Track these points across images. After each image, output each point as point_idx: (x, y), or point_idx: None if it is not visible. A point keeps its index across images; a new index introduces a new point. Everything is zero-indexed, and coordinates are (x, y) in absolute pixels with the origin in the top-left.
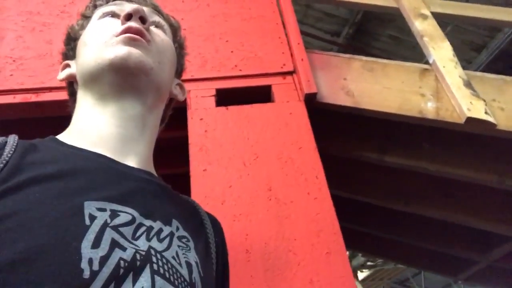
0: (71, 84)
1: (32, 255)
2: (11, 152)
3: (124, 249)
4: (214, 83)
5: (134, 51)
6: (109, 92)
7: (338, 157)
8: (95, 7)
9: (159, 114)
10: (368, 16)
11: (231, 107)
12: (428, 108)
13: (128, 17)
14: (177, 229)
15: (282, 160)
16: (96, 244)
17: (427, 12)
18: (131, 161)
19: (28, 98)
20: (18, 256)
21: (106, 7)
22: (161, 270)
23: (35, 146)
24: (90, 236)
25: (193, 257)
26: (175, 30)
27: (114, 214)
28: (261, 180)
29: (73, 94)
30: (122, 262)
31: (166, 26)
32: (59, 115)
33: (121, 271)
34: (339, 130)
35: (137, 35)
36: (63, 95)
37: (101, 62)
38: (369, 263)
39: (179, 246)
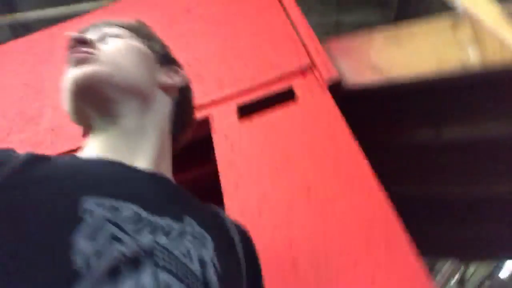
0: None
1: (22, 248)
2: (19, 159)
3: (123, 243)
4: (234, 101)
5: (83, 69)
6: (92, 118)
7: (380, 143)
8: None
9: (157, 115)
10: None
11: (255, 118)
12: (471, 57)
13: (72, 46)
14: (191, 226)
15: (317, 156)
16: (91, 238)
17: None
18: (140, 164)
19: None
20: (7, 248)
21: None
22: (167, 265)
23: (48, 158)
24: (86, 229)
25: (209, 254)
26: (136, 30)
27: (115, 209)
28: (296, 182)
29: None
30: (120, 255)
31: (119, 32)
32: None
33: (119, 264)
34: (376, 115)
35: (79, 52)
36: None
37: (67, 98)
38: None
39: (191, 242)
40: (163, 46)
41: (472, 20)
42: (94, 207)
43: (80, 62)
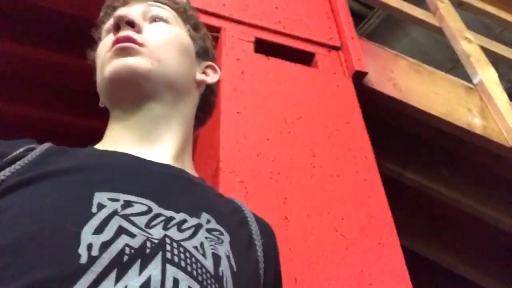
0: None
1: (28, 240)
2: (36, 153)
3: (132, 235)
4: (253, 31)
5: (126, 60)
6: (123, 105)
7: None
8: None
9: (187, 108)
10: None
11: (272, 59)
12: (476, 124)
13: (116, 27)
14: (208, 222)
15: (328, 130)
16: (99, 230)
17: (471, 38)
18: (159, 156)
19: None
20: (13, 240)
21: (106, 24)
22: (176, 259)
23: (65, 150)
24: (94, 222)
25: (224, 250)
26: (184, 13)
27: (127, 204)
28: (304, 142)
29: None
30: (127, 248)
31: (168, 15)
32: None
33: (126, 257)
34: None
35: (125, 43)
36: None
37: (103, 82)
38: None
39: (206, 238)
40: (205, 38)
41: (483, 94)
42: (107, 202)
43: (123, 52)
